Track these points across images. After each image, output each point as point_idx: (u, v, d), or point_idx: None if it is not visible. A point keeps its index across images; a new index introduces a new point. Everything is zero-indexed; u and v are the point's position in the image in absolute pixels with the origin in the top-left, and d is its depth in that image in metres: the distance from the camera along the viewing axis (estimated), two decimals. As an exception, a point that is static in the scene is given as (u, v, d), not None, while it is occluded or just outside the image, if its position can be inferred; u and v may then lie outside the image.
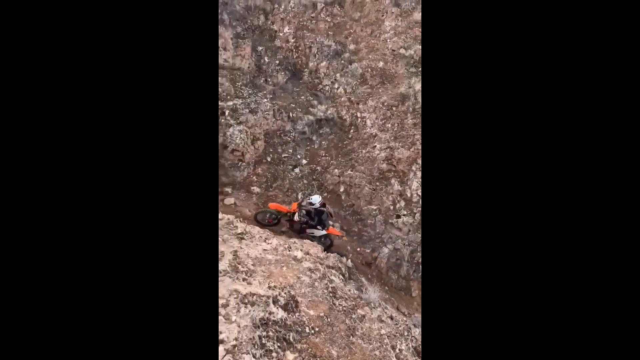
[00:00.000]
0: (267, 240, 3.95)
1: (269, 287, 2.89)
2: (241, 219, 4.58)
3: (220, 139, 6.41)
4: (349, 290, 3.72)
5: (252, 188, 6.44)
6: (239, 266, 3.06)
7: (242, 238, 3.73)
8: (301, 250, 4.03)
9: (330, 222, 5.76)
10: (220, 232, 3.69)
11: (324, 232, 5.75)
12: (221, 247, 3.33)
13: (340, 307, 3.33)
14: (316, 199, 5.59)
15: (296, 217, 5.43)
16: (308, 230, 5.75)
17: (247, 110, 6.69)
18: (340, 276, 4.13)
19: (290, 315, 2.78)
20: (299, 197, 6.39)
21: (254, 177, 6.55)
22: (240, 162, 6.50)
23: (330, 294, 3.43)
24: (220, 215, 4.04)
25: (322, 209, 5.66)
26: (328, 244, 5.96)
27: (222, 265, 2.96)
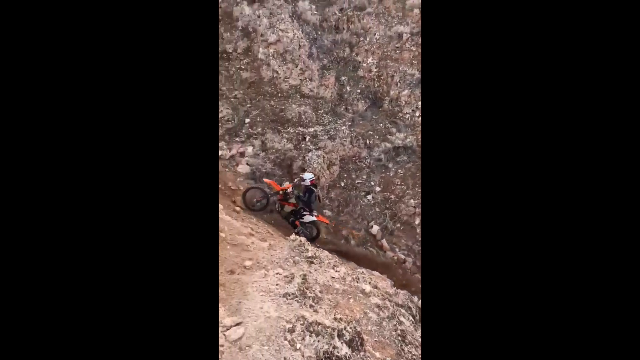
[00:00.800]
0: (335, 268, 3.91)
1: (335, 319, 2.82)
2: (311, 242, 4.65)
3: (299, 163, 6.77)
4: (420, 337, 3.38)
5: (324, 211, 6.55)
6: (307, 291, 3.07)
7: (312, 262, 3.77)
8: (369, 283, 3.86)
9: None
10: (291, 254, 3.80)
11: (313, 217, 5.53)
12: (292, 269, 3.41)
13: (410, 355, 3.03)
14: (308, 176, 5.48)
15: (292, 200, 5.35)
16: (300, 218, 5.52)
17: (326, 137, 6.96)
18: (411, 318, 3.80)
19: (354, 354, 2.64)
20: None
21: (327, 201, 6.67)
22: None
23: (399, 337, 3.16)
24: (292, 236, 4.18)
25: (312, 187, 5.46)
26: (314, 235, 5.66)
27: (292, 288, 3.01)
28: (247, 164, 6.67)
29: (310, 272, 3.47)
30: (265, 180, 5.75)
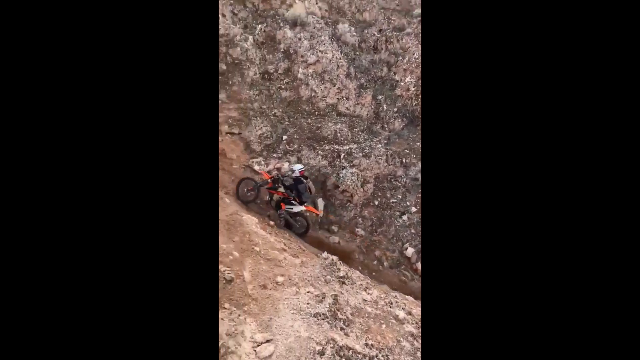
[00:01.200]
0: (367, 290, 3.80)
1: (366, 345, 2.71)
2: (343, 261, 4.58)
3: (333, 179, 6.79)
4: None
5: (356, 229, 6.46)
6: (338, 313, 3.00)
7: (344, 282, 3.70)
8: (403, 309, 3.69)
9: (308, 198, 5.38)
10: (323, 272, 3.76)
11: (302, 207, 5.42)
12: (323, 289, 3.37)
13: (446, 392, 2.81)
14: (297, 167, 5.43)
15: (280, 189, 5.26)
16: (287, 207, 5.41)
17: (361, 154, 6.95)
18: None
19: (385, 384, 2.51)
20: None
21: (360, 219, 6.58)
22: (348, 203, 6.68)
23: (434, 372, 2.96)
24: (324, 254, 4.15)
25: (300, 178, 5.38)
26: (304, 229, 5.54)
27: (322, 308, 2.97)
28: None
29: (341, 293, 3.41)
30: (260, 171, 5.83)
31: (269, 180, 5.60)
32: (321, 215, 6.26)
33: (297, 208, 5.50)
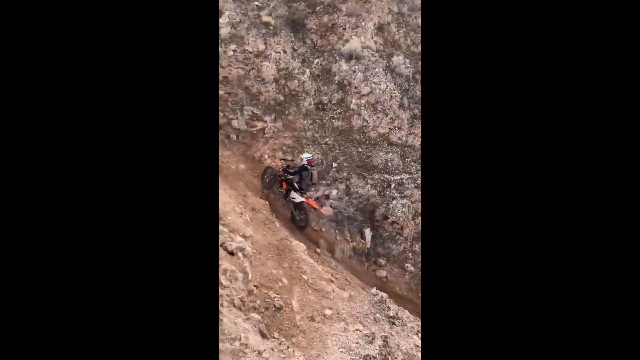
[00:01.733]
0: (419, 334, 3.52)
1: (420, 399, 2.48)
2: (392, 299, 4.34)
3: (382, 210, 6.64)
4: None
5: (406, 265, 6.14)
6: (389, 357, 2.81)
7: (394, 323, 3.48)
8: None
9: (311, 189, 5.62)
10: (372, 310, 3.60)
11: (302, 198, 5.58)
12: (372, 328, 3.21)
13: None
14: (305, 155, 5.73)
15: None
16: (291, 195, 5.62)
17: (413, 186, 6.74)
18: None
19: None
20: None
21: (410, 254, 6.26)
22: (398, 236, 6.43)
23: None
24: (374, 290, 3.98)
25: (306, 166, 5.63)
26: (304, 223, 5.72)
27: (372, 350, 2.81)
28: (330, 206, 6.87)
29: (392, 335, 3.20)
30: (275, 160, 6.23)
31: (281, 169, 6.00)
32: (368, 246, 6.12)
33: (298, 199, 5.74)
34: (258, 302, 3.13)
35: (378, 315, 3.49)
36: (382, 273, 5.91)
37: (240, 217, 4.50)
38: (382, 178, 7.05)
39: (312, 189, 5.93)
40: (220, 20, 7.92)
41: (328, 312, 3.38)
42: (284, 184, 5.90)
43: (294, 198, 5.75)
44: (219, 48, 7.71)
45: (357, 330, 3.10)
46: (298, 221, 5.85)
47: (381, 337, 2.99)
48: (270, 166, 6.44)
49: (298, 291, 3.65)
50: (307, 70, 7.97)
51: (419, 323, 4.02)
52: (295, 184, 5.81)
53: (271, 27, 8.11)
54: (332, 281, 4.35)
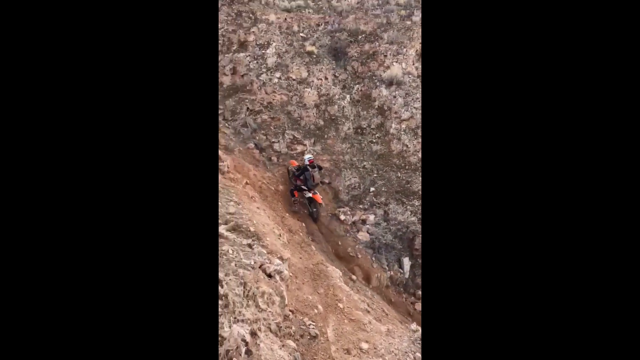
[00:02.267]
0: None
1: None
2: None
3: (422, 239, 6.34)
4: None
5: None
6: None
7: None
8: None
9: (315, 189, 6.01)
10: (411, 348, 3.36)
11: (309, 194, 6.05)
12: None
13: None
14: (307, 156, 6.21)
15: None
16: (300, 192, 6.12)
17: (456, 214, 6.39)
18: None
19: None
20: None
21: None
22: (438, 267, 6.06)
23: None
24: (413, 326, 3.74)
25: (307, 167, 6.03)
26: (316, 215, 6.25)
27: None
28: (367, 232, 6.71)
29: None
30: (290, 162, 6.74)
31: (294, 168, 6.56)
32: (406, 276, 5.86)
33: (307, 194, 6.13)
34: (293, 328, 3.07)
35: (418, 354, 3.24)
36: (421, 307, 5.55)
37: (279, 239, 4.56)
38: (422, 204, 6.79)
39: (316, 187, 6.40)
40: (267, 51, 8.49)
41: (365, 345, 3.21)
42: (295, 192, 6.39)
43: (305, 194, 6.21)
44: (264, 75, 8.21)
45: (396, 369, 2.90)
46: (311, 213, 6.34)
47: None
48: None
49: (334, 320, 3.54)
50: (348, 96, 8.15)
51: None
52: (302, 186, 6.31)
53: (314, 56, 8.49)
54: (369, 312, 4.16)
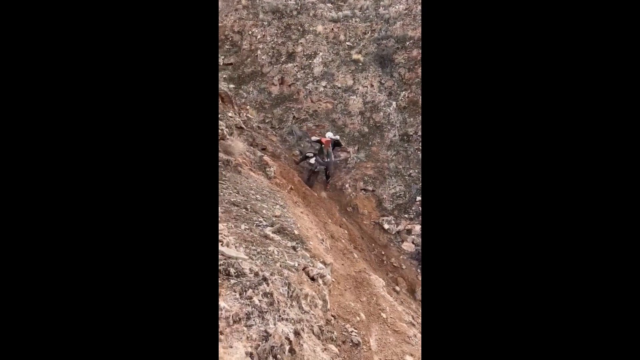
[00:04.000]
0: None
1: None
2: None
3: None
4: None
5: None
6: None
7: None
8: None
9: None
10: None
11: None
12: None
13: None
14: (328, 135, 6.75)
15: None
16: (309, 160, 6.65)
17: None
18: None
19: None
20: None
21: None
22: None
23: None
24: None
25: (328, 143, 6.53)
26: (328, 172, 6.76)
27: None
28: (412, 242, 6.46)
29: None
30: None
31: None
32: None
33: (311, 157, 6.59)
34: (335, 333, 3.04)
35: None
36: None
37: (322, 243, 4.58)
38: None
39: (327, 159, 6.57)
40: (314, 61, 8.73)
41: (409, 358, 3.06)
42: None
43: (310, 161, 6.54)
44: (310, 84, 8.44)
45: (444, 388, 2.70)
46: (311, 177, 6.61)
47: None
48: (307, 158, 6.94)
49: (377, 330, 3.44)
50: (394, 103, 8.03)
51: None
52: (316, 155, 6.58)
53: (360, 64, 8.54)
54: (414, 325, 3.96)
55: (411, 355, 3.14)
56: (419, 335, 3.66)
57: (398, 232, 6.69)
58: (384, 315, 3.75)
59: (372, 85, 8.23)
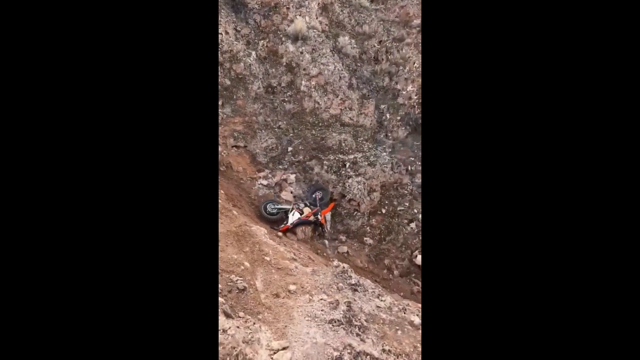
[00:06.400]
0: (380, 297, 3.75)
1: (383, 350, 2.67)
2: (354, 270, 4.54)
3: (339, 189, 6.82)
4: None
5: (364, 239, 6.43)
6: (353, 319, 2.97)
7: (356, 290, 3.66)
8: (418, 315, 3.63)
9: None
10: (335, 280, 3.74)
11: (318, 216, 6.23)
12: (336, 296, 3.34)
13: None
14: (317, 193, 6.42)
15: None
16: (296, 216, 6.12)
17: (366, 163, 6.99)
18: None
19: (405, 391, 2.45)
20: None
21: (368, 228, 6.55)
22: (355, 212, 6.67)
23: (454, 378, 2.88)
24: (335, 262, 4.13)
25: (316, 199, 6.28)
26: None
27: (337, 314, 2.94)
28: (290, 192, 6.87)
29: (354, 300, 3.37)
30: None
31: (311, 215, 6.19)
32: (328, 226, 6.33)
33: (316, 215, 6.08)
34: (220, 286, 3.07)
35: (341, 284, 3.63)
36: (343, 249, 6.12)
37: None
38: (337, 158, 7.19)
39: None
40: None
41: (292, 287, 3.44)
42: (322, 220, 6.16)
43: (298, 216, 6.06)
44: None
45: (321, 299, 3.20)
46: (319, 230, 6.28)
47: (345, 302, 3.13)
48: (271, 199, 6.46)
49: (261, 272, 3.65)
50: (253, 53, 7.72)
51: (380, 289, 4.27)
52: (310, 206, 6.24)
53: (210, 8, 7.65)
54: (295, 260, 4.40)
55: (294, 284, 3.53)
56: (300, 267, 4.11)
57: (277, 183, 6.95)
58: (267, 259, 3.99)
59: (227, 32, 7.60)
